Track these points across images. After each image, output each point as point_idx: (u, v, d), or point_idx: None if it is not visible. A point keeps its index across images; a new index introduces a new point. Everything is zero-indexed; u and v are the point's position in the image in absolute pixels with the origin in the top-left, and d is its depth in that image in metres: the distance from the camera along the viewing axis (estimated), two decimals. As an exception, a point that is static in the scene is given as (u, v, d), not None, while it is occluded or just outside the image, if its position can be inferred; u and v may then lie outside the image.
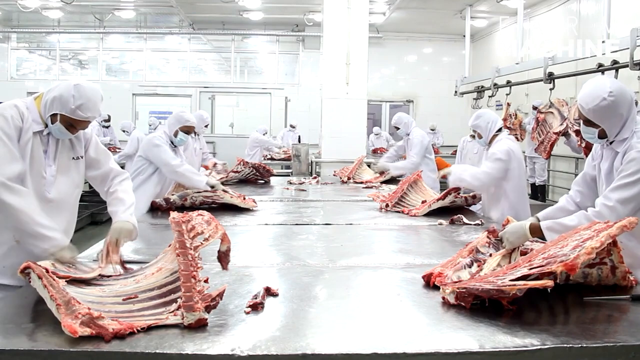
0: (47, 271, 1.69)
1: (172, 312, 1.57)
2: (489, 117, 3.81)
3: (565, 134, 6.04)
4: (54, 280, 1.64)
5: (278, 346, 1.42)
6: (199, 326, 1.52)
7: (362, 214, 3.73)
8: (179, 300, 1.60)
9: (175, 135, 4.11)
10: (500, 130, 3.81)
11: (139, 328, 1.48)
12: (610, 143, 2.32)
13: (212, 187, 3.90)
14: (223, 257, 1.88)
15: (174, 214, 1.95)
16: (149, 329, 1.50)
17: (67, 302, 1.50)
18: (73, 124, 2.23)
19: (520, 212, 3.58)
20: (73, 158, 2.35)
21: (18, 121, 2.15)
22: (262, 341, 1.44)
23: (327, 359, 1.39)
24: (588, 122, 2.33)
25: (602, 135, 2.31)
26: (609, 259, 1.89)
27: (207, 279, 1.79)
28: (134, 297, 1.69)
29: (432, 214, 3.59)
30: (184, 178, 3.95)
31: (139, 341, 1.43)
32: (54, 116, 2.20)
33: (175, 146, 4.15)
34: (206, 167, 5.85)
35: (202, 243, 1.82)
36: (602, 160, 2.41)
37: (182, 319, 1.53)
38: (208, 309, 1.58)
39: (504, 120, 6.33)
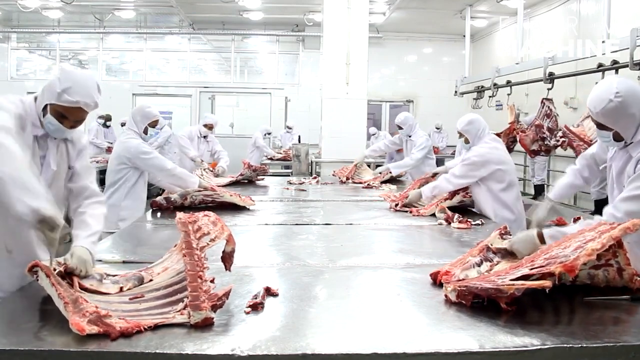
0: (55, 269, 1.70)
1: (179, 311, 1.58)
2: (480, 124, 3.78)
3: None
4: (61, 278, 1.65)
5: (278, 346, 1.42)
6: (205, 325, 1.52)
7: (362, 214, 3.73)
8: (185, 299, 1.61)
9: (145, 132, 4.03)
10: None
11: (146, 327, 1.49)
12: (627, 145, 2.23)
13: (204, 188, 3.82)
14: (227, 258, 1.88)
15: (180, 215, 1.95)
16: (153, 328, 1.50)
17: (74, 301, 1.51)
18: (64, 114, 2.01)
19: (513, 210, 3.59)
20: (68, 167, 2.18)
21: (22, 111, 1.99)
22: (262, 341, 1.44)
23: (327, 359, 1.39)
24: (601, 126, 2.25)
25: (618, 137, 2.23)
26: (614, 260, 1.86)
27: (214, 279, 1.79)
28: (140, 297, 1.71)
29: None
30: (180, 180, 3.89)
31: (139, 341, 1.43)
32: (45, 110, 2.02)
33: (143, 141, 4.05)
34: (213, 165, 5.94)
35: (208, 244, 1.82)
36: (614, 159, 2.34)
37: (189, 318, 1.54)
38: (214, 308, 1.59)
39: (512, 123, 6.22)
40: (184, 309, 1.58)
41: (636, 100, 2.16)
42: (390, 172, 5.73)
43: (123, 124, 9.83)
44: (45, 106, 2.02)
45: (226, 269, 1.88)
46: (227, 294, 1.66)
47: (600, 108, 2.18)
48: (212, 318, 1.55)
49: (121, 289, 1.79)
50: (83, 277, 1.82)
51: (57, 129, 2.05)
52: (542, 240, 2.07)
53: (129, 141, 3.92)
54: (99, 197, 2.23)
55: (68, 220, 2.03)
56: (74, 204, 2.19)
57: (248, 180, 5.48)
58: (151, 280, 1.85)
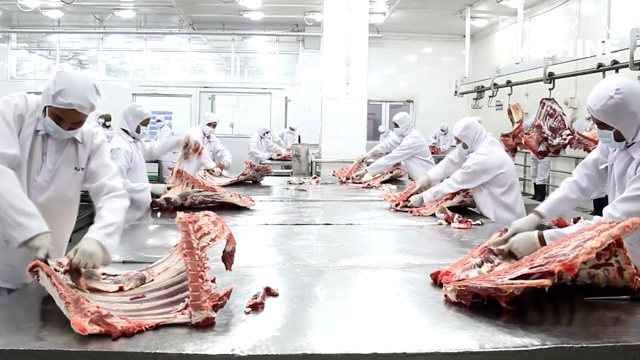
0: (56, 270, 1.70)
1: (180, 311, 1.59)
2: (477, 128, 3.74)
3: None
4: (62, 278, 1.65)
5: (278, 346, 1.42)
6: (206, 325, 1.53)
7: (362, 214, 3.73)
8: (186, 299, 1.61)
9: (138, 130, 4.01)
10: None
11: (147, 326, 1.49)
12: (628, 146, 2.20)
13: (157, 196, 3.73)
14: (228, 258, 1.88)
15: (180, 214, 1.95)
16: (154, 328, 1.50)
17: (76, 301, 1.51)
18: (60, 116, 2.05)
19: (514, 211, 3.58)
20: (75, 168, 2.20)
21: (22, 110, 2.04)
22: (262, 341, 1.44)
23: (327, 359, 1.39)
24: (601, 125, 2.21)
25: (619, 137, 2.19)
26: (615, 260, 1.84)
27: (215, 279, 1.79)
28: (141, 297, 1.71)
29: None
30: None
31: (139, 341, 1.43)
32: (44, 111, 2.07)
33: (136, 140, 4.02)
34: (219, 165, 5.93)
35: (208, 243, 1.83)
36: (616, 160, 2.30)
37: (190, 317, 1.54)
38: (215, 308, 1.59)
39: (519, 122, 6.14)
40: (185, 308, 1.58)
41: (637, 98, 2.12)
42: (367, 171, 5.78)
43: None
44: (45, 107, 2.06)
45: (227, 269, 1.89)
46: (228, 294, 1.67)
47: (601, 105, 2.14)
48: (214, 318, 1.55)
49: (121, 288, 1.80)
50: (91, 271, 1.84)
51: (55, 131, 2.09)
52: (542, 241, 2.07)
53: (112, 144, 3.80)
54: (118, 192, 2.21)
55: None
56: (97, 203, 2.20)
57: (253, 181, 5.48)
58: (152, 280, 1.85)
